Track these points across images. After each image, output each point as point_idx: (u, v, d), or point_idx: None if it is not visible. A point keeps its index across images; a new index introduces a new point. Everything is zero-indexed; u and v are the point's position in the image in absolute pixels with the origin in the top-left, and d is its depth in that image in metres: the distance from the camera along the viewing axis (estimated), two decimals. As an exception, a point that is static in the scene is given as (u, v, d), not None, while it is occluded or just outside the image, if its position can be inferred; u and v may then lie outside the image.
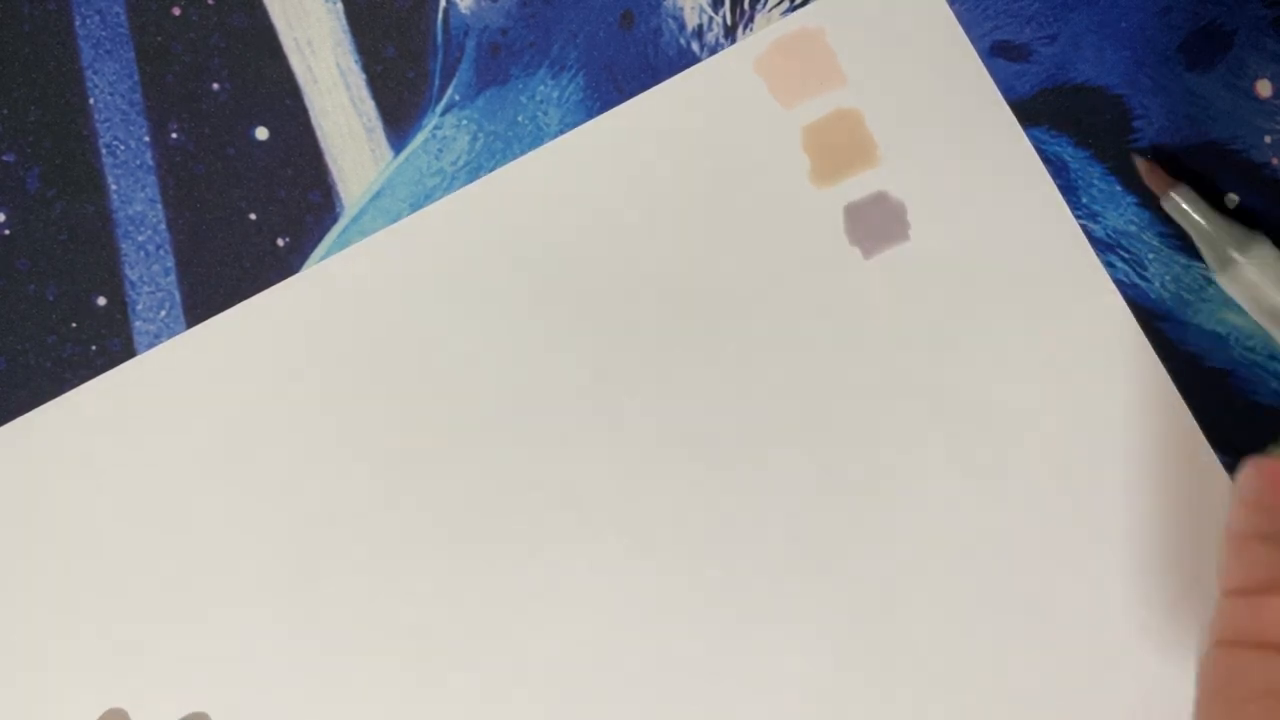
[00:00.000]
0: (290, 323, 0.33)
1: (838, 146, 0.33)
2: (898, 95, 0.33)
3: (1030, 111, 0.33)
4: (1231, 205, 0.33)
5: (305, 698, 0.32)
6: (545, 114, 0.33)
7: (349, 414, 0.32)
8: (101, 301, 0.33)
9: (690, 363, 0.32)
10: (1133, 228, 0.33)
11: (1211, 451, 0.32)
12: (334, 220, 0.33)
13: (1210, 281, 0.33)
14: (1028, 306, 0.32)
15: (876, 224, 0.33)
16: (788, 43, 0.33)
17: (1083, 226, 0.33)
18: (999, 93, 0.33)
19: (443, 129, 0.33)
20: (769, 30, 0.33)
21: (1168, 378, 0.32)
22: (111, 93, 0.33)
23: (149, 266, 0.33)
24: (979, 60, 0.33)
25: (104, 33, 0.33)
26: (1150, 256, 0.33)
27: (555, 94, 0.33)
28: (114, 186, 0.33)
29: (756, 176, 0.33)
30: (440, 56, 0.33)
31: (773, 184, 0.33)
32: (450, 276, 0.33)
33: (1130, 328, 0.32)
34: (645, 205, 0.33)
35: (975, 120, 0.33)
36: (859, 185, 0.33)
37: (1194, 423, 0.32)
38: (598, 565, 0.32)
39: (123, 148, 0.33)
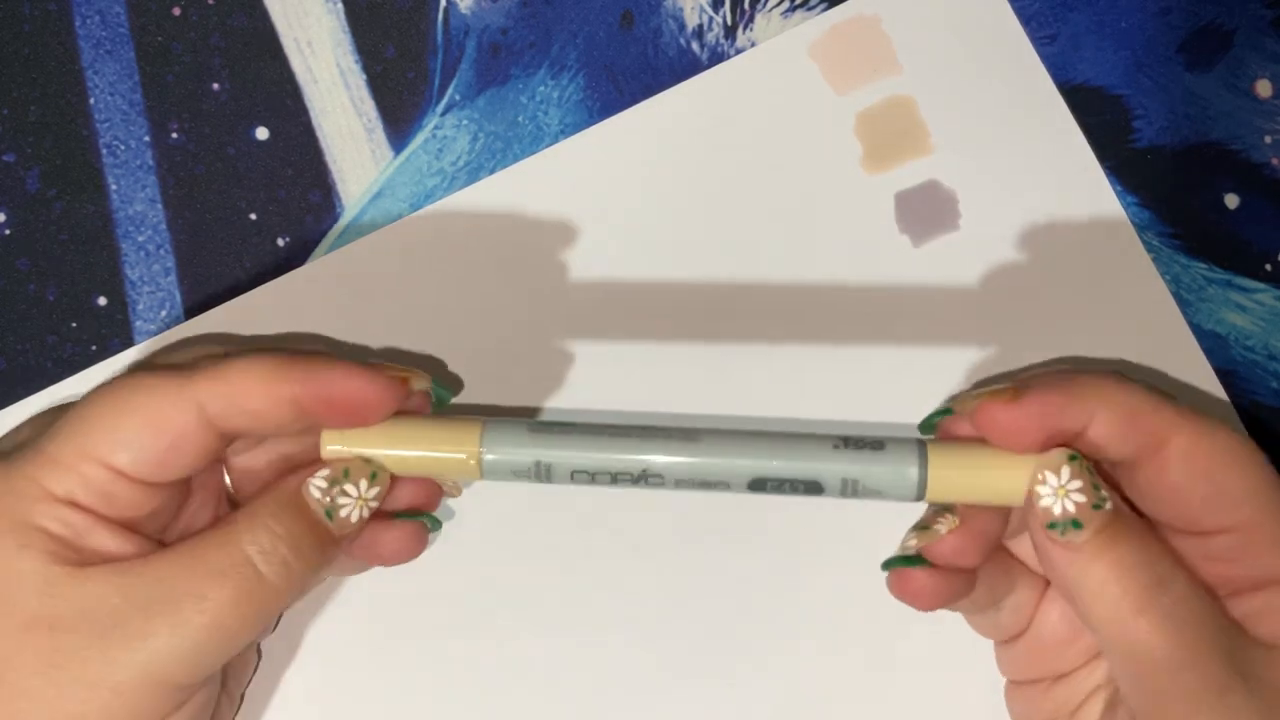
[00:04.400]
0: (289, 320, 0.33)
1: (891, 133, 0.33)
2: (952, 84, 0.33)
3: (1030, 111, 0.33)
4: (1232, 205, 0.33)
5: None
6: (545, 114, 0.33)
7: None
8: (102, 301, 0.33)
9: (727, 353, 0.32)
10: (1133, 227, 0.33)
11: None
12: (334, 220, 0.33)
13: (1210, 281, 0.33)
14: (1076, 298, 0.32)
15: (927, 212, 0.33)
16: (843, 29, 0.33)
17: (1083, 226, 0.33)
18: (1053, 84, 0.33)
19: (443, 129, 0.33)
20: (825, 16, 0.33)
21: (1212, 373, 0.32)
22: (112, 93, 0.33)
23: (149, 266, 0.33)
24: (1033, 50, 0.33)
25: (104, 33, 0.33)
26: (1150, 256, 0.33)
27: (555, 94, 0.33)
28: (114, 186, 0.33)
29: (808, 162, 0.33)
30: (440, 56, 0.33)
31: (824, 169, 0.33)
32: (450, 276, 0.33)
33: (1177, 321, 0.32)
34: (688, 192, 0.33)
35: (1028, 111, 0.33)
36: (911, 173, 0.33)
37: (1237, 419, 0.32)
38: (627, 578, 0.32)
39: (123, 148, 0.33)
